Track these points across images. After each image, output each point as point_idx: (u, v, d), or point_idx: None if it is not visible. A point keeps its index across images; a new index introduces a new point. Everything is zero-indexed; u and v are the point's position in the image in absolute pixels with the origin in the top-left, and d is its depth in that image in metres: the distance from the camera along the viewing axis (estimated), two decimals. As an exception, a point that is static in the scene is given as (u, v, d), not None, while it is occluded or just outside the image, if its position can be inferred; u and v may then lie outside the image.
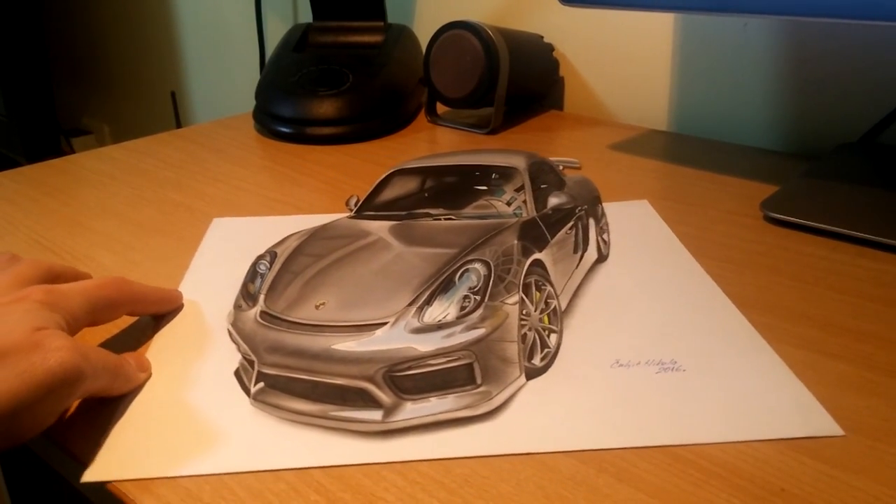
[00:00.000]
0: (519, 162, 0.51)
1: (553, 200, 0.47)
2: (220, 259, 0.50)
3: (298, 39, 0.86)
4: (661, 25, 0.79)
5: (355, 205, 0.52)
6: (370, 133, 0.77)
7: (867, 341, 0.40)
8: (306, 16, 0.95)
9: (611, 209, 0.56)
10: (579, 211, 0.49)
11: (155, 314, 0.43)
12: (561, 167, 0.58)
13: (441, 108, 0.83)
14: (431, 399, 0.34)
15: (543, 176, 0.51)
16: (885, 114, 0.65)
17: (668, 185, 0.63)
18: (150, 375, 0.37)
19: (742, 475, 0.31)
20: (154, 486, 0.31)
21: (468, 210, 0.47)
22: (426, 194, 0.50)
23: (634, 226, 0.54)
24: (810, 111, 0.72)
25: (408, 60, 0.84)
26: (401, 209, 0.49)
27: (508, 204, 0.47)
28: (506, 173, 0.50)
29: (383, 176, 0.54)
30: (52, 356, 0.30)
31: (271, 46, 0.95)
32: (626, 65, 0.83)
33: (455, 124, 0.80)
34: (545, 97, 0.88)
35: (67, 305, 0.34)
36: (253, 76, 0.94)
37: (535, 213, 0.45)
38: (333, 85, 0.77)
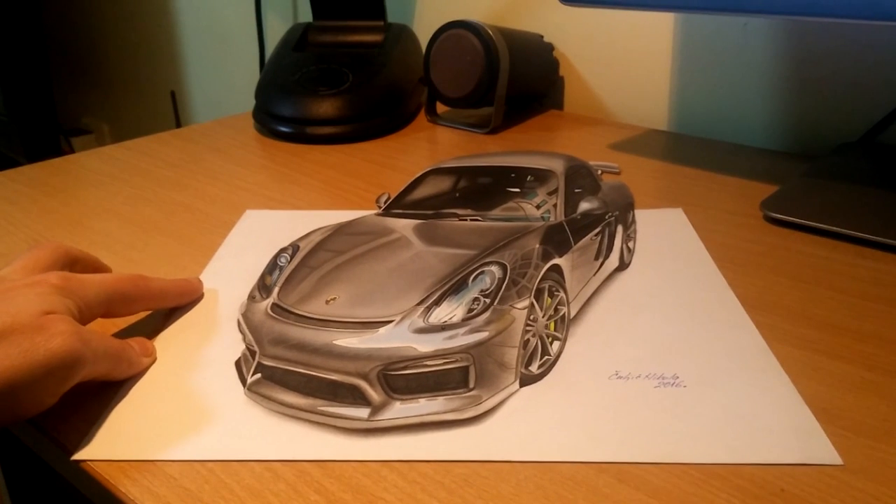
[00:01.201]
0: (557, 165, 0.50)
1: (584, 205, 0.46)
2: (245, 249, 0.51)
3: (298, 39, 0.86)
4: (661, 25, 0.79)
5: (385, 202, 0.52)
6: (370, 133, 0.77)
7: (867, 341, 0.40)
8: (306, 15, 0.95)
9: (642, 216, 0.55)
10: (609, 217, 0.48)
11: (176, 307, 0.44)
12: (600, 171, 0.58)
13: (441, 108, 0.83)
14: (421, 400, 0.34)
15: (580, 180, 0.50)
16: (885, 114, 0.65)
17: (668, 185, 0.63)
18: (153, 360, 0.38)
19: (742, 475, 0.31)
20: (154, 486, 0.31)
21: (496, 212, 0.47)
22: (457, 194, 0.50)
23: (663, 235, 0.52)
24: (810, 111, 0.72)
25: (408, 60, 0.84)
26: (429, 208, 0.49)
27: (538, 207, 0.46)
28: (542, 176, 0.49)
29: (418, 174, 0.54)
30: (54, 339, 0.31)
31: (271, 46, 0.95)
32: (626, 65, 0.83)
33: (455, 124, 0.80)
34: (545, 97, 0.88)
35: (83, 293, 0.35)
36: (253, 76, 0.94)
37: (563, 218, 0.45)
38: (333, 84, 0.77)
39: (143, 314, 0.43)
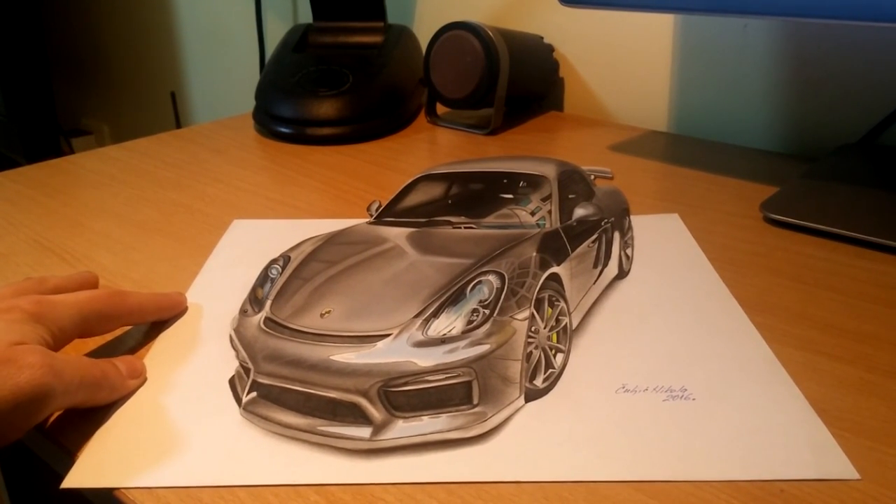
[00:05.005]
0: (549, 170, 0.49)
1: (579, 212, 0.45)
2: (235, 261, 0.49)
3: (298, 40, 0.86)
4: (661, 26, 0.79)
5: (377, 210, 0.51)
6: (370, 133, 0.77)
7: (866, 342, 0.40)
8: (306, 16, 0.95)
9: (638, 222, 0.54)
10: (605, 223, 0.47)
11: (156, 321, 0.42)
12: (592, 177, 0.57)
13: (441, 109, 0.83)
14: (424, 418, 0.33)
15: (573, 185, 0.49)
16: (884, 115, 0.65)
17: (668, 186, 0.63)
18: (143, 382, 0.37)
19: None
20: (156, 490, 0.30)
21: (490, 219, 0.46)
22: (450, 201, 0.49)
23: (661, 241, 0.51)
24: (810, 112, 0.72)
25: (408, 61, 0.84)
26: (422, 216, 0.48)
27: (532, 214, 0.45)
28: (534, 181, 0.48)
29: (409, 181, 0.53)
30: (22, 373, 0.30)
31: (271, 47, 0.95)
32: (626, 65, 0.83)
33: (455, 125, 0.80)
34: (545, 98, 0.88)
35: (56, 317, 0.34)
36: (253, 76, 0.94)
37: (558, 224, 0.44)
38: (333, 85, 0.77)
39: (123, 330, 0.41)
